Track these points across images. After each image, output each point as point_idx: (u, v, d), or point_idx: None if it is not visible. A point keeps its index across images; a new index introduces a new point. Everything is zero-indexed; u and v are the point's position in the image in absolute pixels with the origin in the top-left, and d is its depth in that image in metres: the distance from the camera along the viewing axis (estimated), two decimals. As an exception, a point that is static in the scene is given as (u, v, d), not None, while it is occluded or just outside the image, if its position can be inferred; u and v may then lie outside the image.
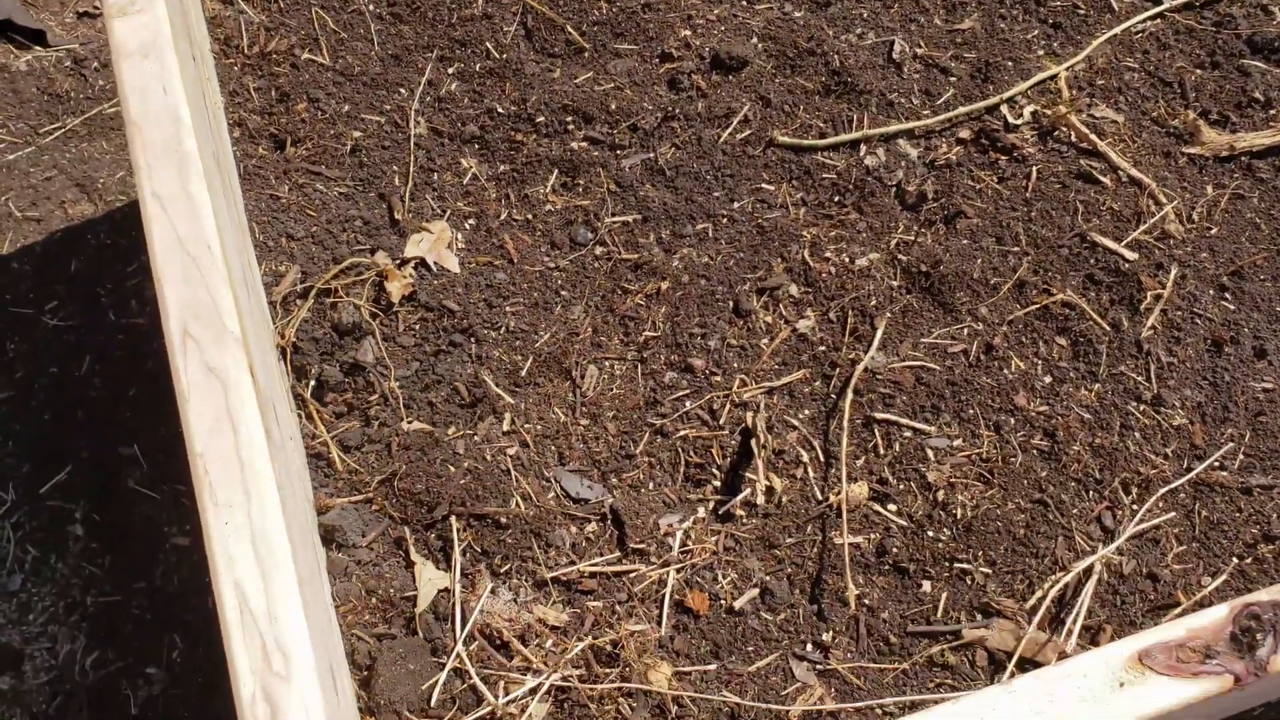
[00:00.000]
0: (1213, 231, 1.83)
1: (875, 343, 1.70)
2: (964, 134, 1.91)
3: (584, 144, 1.88)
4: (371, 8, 1.99)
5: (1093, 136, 1.88)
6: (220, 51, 1.91)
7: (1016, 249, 1.80)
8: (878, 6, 2.05)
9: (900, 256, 1.78)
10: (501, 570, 1.50)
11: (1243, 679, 1.00)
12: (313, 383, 1.64)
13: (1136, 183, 1.86)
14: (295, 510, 1.20)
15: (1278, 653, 1.01)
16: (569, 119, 1.90)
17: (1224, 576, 1.55)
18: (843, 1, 2.05)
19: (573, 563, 1.52)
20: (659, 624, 1.49)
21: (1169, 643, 1.02)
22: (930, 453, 1.62)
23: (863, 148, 1.89)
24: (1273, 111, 1.96)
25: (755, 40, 1.99)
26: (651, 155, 1.87)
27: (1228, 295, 1.77)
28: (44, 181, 2.49)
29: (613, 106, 1.90)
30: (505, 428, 1.61)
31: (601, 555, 1.53)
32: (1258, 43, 2.03)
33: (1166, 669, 0.99)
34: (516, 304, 1.72)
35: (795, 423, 1.65)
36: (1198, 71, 2.01)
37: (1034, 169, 1.86)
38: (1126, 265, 1.77)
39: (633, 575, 1.52)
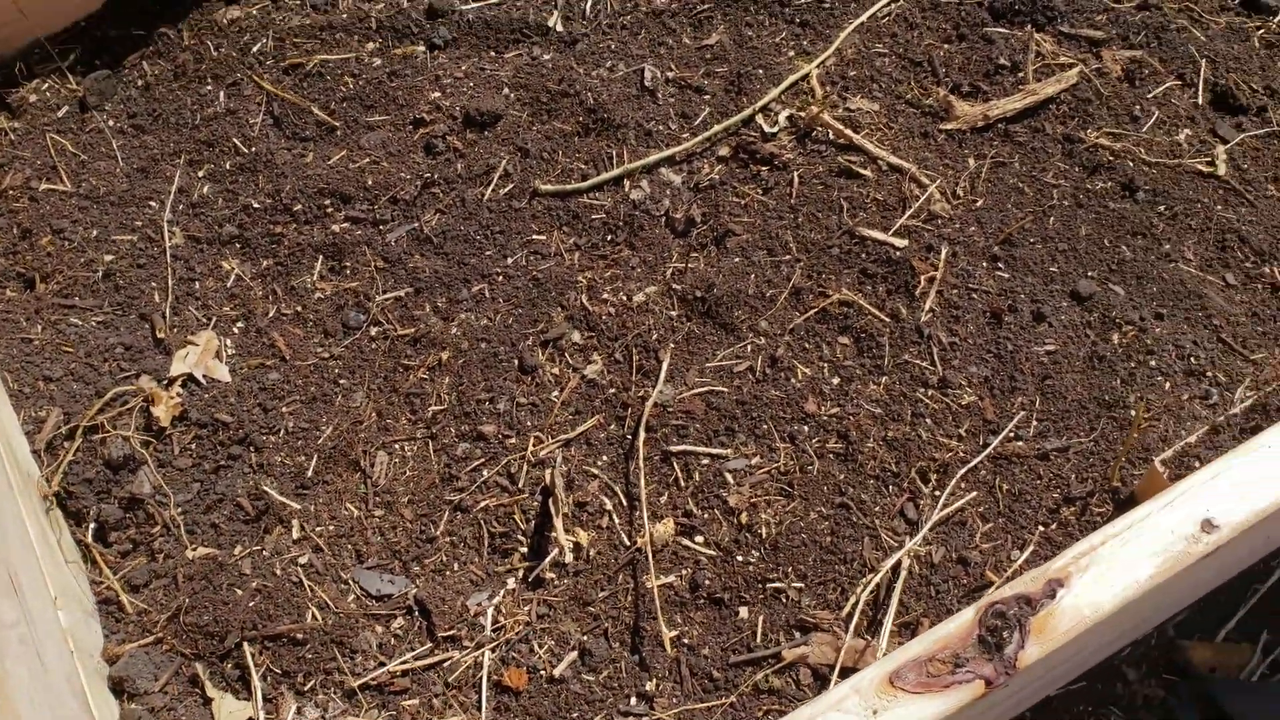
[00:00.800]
0: (978, 204, 1.85)
1: (662, 376, 1.69)
2: (724, 151, 1.91)
3: (346, 225, 1.84)
4: (111, 124, 1.93)
5: (847, 131, 1.89)
6: (-48, 197, 1.83)
7: (788, 257, 1.80)
8: (625, 36, 2.04)
9: (675, 286, 1.77)
10: (306, 688, 1.45)
11: (993, 681, 0.99)
12: (92, 525, 1.58)
13: (897, 169, 1.87)
14: None
15: (1025, 648, 1.01)
16: (327, 202, 1.86)
17: (1031, 547, 1.56)
18: (589, 37, 2.04)
19: (381, 664, 1.48)
20: (479, 709, 1.46)
21: (919, 658, 1.01)
22: (729, 476, 1.61)
23: (627, 182, 1.88)
24: (1021, 75, 1.99)
25: (507, 91, 1.97)
26: (416, 225, 1.83)
27: (1000, 265, 1.80)
28: None
29: (370, 182, 1.87)
30: (295, 536, 1.57)
31: (411, 650, 1.50)
32: (998, 8, 2.07)
33: (918, 687, 0.99)
34: (294, 402, 1.68)
35: (595, 471, 1.63)
36: (945, 46, 2.04)
37: (796, 174, 1.87)
38: (898, 253, 1.79)
39: (446, 665, 1.49)
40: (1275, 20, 2.07)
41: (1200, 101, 1.98)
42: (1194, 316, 1.74)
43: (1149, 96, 1.97)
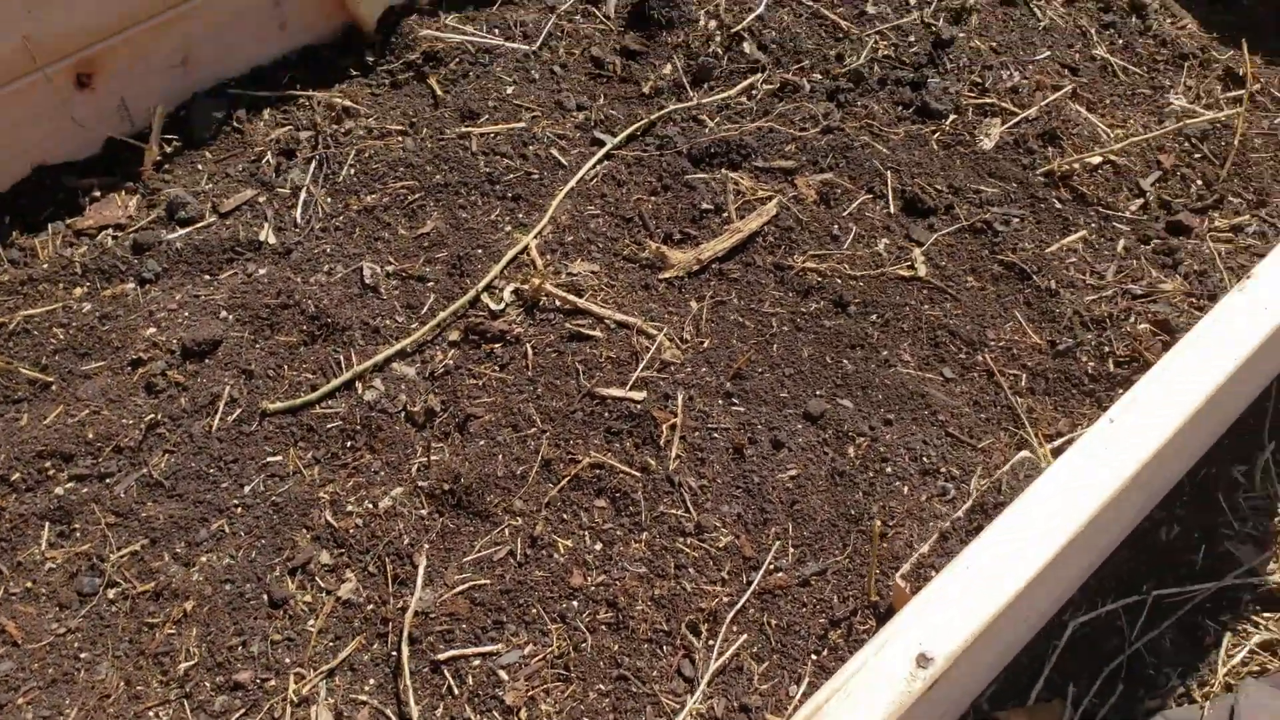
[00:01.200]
0: (705, 345, 1.92)
1: (419, 582, 1.65)
2: (454, 336, 1.92)
3: (71, 484, 1.76)
4: None
5: (571, 296, 1.94)
6: None
7: (533, 430, 1.81)
8: (339, 237, 2.05)
9: (421, 483, 1.75)
10: None
11: None
12: None
13: (625, 325, 1.92)
14: None
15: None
16: (48, 464, 1.77)
17: (807, 679, 1.58)
18: (304, 244, 2.04)
19: None
20: None
21: None
22: (503, 673, 1.58)
23: (359, 385, 1.87)
24: (725, 215, 2.09)
25: (224, 314, 1.94)
26: (145, 471, 1.77)
27: (735, 400, 1.85)
28: None
29: (90, 435, 1.79)
30: (44, 841, 1.45)
31: None
32: (695, 155, 2.18)
33: None
34: (31, 690, 1.57)
35: (364, 697, 1.57)
36: (653, 199, 2.12)
37: (529, 346, 1.90)
38: (638, 407, 1.82)
39: None
40: (947, 122, 2.25)
41: (893, 210, 2.12)
42: (920, 416, 1.83)
43: (845, 214, 2.10)
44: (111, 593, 1.66)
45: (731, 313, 1.96)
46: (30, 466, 1.77)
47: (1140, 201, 2.13)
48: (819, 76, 2.32)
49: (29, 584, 1.68)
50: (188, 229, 2.04)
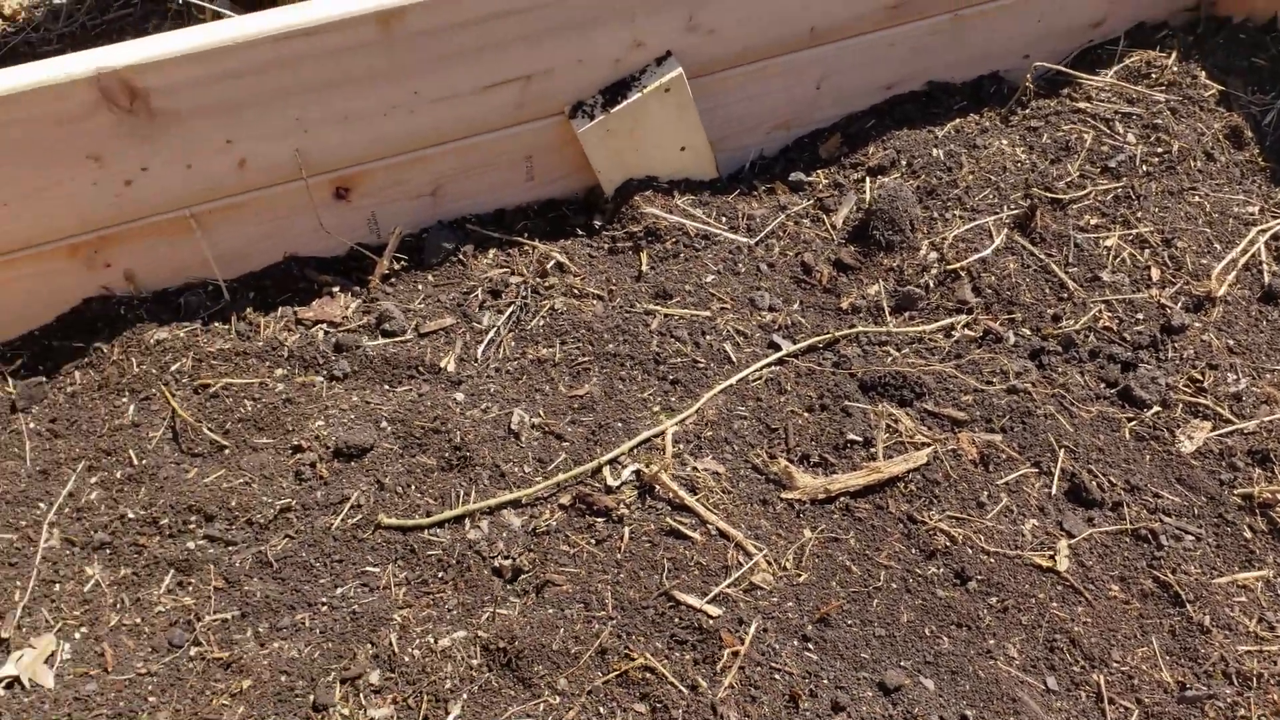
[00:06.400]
0: (801, 579, 1.86)
1: (444, 729, 1.71)
2: (565, 499, 1.98)
3: (202, 542, 1.97)
4: (32, 425, 2.15)
5: (682, 493, 1.95)
6: None
7: (602, 614, 1.83)
8: (506, 380, 2.18)
9: (483, 634, 1.81)
10: None
11: None
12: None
13: (725, 535, 1.91)
14: None
15: None
16: (192, 518, 2.00)
17: None
18: (475, 378, 2.19)
19: None
20: None
21: None
22: (481, 847, 1.59)
23: (468, 522, 1.96)
24: (872, 450, 2.03)
25: (384, 424, 2.11)
26: (263, 549, 1.95)
27: (810, 645, 1.78)
28: None
29: (234, 503, 2.00)
30: None
31: None
32: (868, 382, 2.13)
33: None
34: (100, 716, 1.76)
35: (355, 823, 1.64)
36: (805, 414, 2.10)
37: (628, 529, 1.92)
38: (710, 621, 1.79)
39: None
40: (1148, 413, 2.07)
41: (1054, 492, 1.97)
42: (1002, 723, 1.68)
43: (1000, 482, 1.98)
44: (194, 650, 1.84)
45: (842, 553, 1.90)
46: (178, 516, 2.00)
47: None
48: (1027, 332, 2.21)
49: (138, 620, 1.89)
50: (387, 340, 2.25)
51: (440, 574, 1.91)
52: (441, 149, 2.34)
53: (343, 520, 1.98)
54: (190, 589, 1.92)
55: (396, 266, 2.39)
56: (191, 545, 1.96)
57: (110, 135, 2.04)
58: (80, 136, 2.02)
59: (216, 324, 2.29)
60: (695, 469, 2.01)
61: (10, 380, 2.21)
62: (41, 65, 1.97)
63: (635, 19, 2.27)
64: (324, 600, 1.88)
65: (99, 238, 2.18)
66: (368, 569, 1.92)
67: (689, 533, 1.91)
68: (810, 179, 2.56)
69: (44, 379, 2.22)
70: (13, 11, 4.17)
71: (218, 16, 3.67)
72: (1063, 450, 2.02)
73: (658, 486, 1.97)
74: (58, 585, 1.94)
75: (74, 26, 4.11)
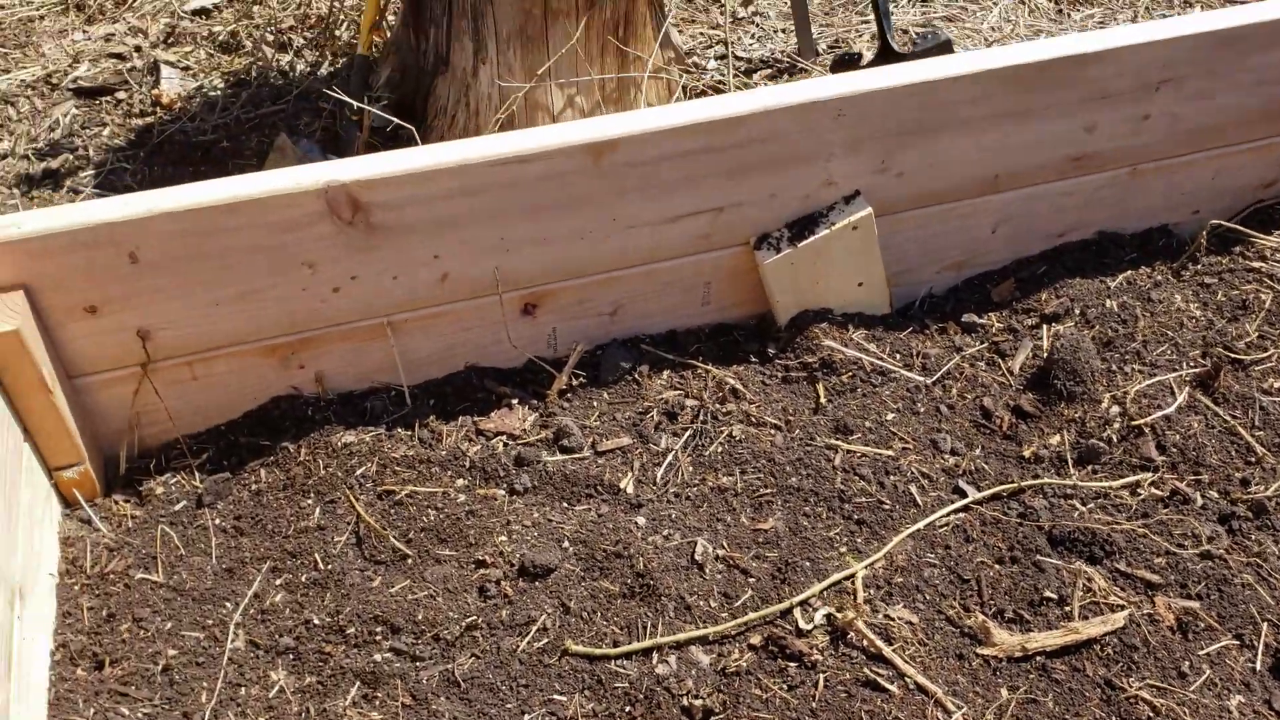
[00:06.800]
0: (1002, 741, 1.82)
1: None
2: (756, 639, 1.96)
3: (389, 655, 1.96)
4: (217, 522, 2.17)
5: (879, 643, 1.92)
6: (66, 572, 2.07)
7: (798, 765, 1.79)
8: (687, 507, 2.18)
9: (677, 776, 1.78)
10: None
11: None
12: None
13: (924, 690, 1.87)
14: None
15: None
16: (378, 629, 1.99)
17: None
18: (655, 503, 2.18)
19: None
20: None
21: None
22: None
23: (655, 655, 1.94)
24: (1067, 609, 1.99)
25: (566, 544, 2.11)
26: (450, 666, 1.94)
27: (1016, 814, 1.73)
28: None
29: (420, 616, 2.00)
30: None
31: None
32: (1057, 536, 2.11)
33: None
34: (290, 832, 1.74)
35: None
36: (996, 567, 2.07)
37: (822, 676, 1.89)
38: (911, 781, 1.75)
39: None
40: (1350, 590, 2.02)
41: (1258, 667, 1.92)
42: None
43: (1201, 653, 1.93)
44: (383, 768, 1.82)
45: (1041, 715, 1.85)
46: (365, 626, 2.00)
47: None
48: (1215, 495, 2.18)
49: (325, 731, 1.88)
50: (566, 456, 2.26)
51: (629, 708, 1.88)
52: (627, 272, 2.37)
53: (528, 643, 1.96)
54: (377, 703, 1.90)
55: (574, 382, 2.41)
56: (378, 657, 1.96)
57: (328, 245, 2.10)
58: (300, 244, 2.08)
59: (399, 430, 2.31)
60: (889, 617, 1.98)
61: (198, 475, 2.24)
62: (274, 175, 2.03)
63: (832, 159, 2.31)
64: (512, 726, 1.86)
65: (299, 340, 2.23)
66: (555, 696, 1.90)
67: (886, 685, 1.88)
68: (983, 321, 2.56)
69: (229, 475, 2.24)
70: (169, 101, 4.33)
71: (357, 117, 3.80)
72: (1265, 625, 1.97)
73: (851, 633, 1.95)
74: (243, 689, 1.93)
75: (229, 119, 4.26)
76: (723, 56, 4.55)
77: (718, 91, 4.34)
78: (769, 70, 4.52)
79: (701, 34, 4.62)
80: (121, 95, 4.43)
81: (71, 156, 4.08)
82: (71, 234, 1.93)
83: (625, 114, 2.16)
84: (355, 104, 3.74)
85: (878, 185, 2.39)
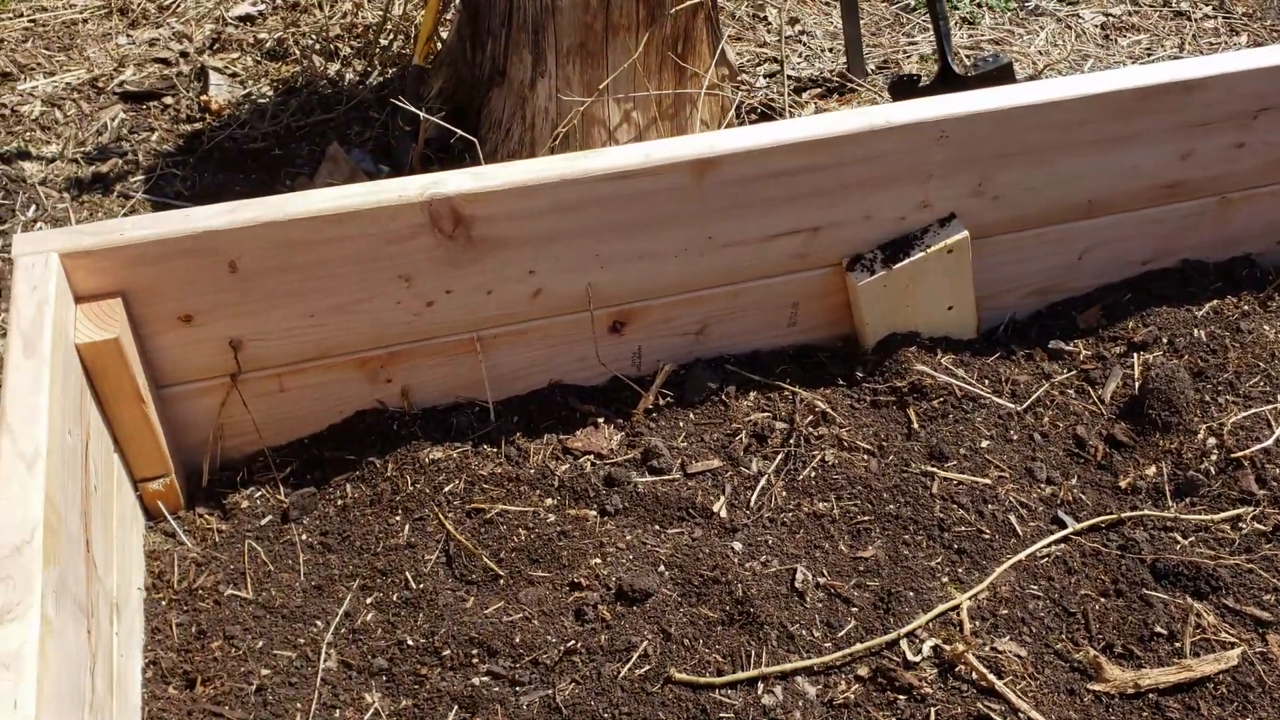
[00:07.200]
0: (1121, 781, 1.78)
1: None
2: (863, 671, 1.92)
3: (486, 679, 1.92)
4: (304, 538, 2.12)
5: (991, 676, 1.88)
6: (152, 586, 2.02)
7: (914, 801, 1.75)
8: (783, 533, 2.13)
9: (792, 810, 1.74)
10: None
11: None
12: None
13: (1038, 726, 1.83)
14: None
15: None
16: (475, 652, 1.95)
17: None
18: (750, 527, 2.14)
19: None
20: None
21: None
22: None
23: (760, 685, 1.90)
24: (1178, 644, 1.95)
25: (662, 568, 2.07)
26: (550, 692, 1.89)
27: None
28: None
29: (517, 639, 1.95)
30: None
31: None
32: (1160, 569, 2.07)
33: None
34: None
35: None
36: (1102, 600, 2.03)
37: (933, 710, 1.85)
38: (1031, 821, 1.71)
39: None
40: None
41: (1376, 710, 1.88)
42: None
43: (1318, 695, 1.89)
44: (486, 796, 1.77)
45: (1159, 756, 1.81)
46: (460, 649, 1.95)
47: None
48: (1319, 530, 2.15)
49: (424, 756, 1.83)
50: (655, 478, 2.22)
51: (735, 738, 1.84)
52: (717, 290, 2.34)
53: (630, 670, 1.92)
54: (476, 728, 1.86)
55: (660, 402, 2.37)
56: (475, 681, 1.91)
57: (426, 258, 2.06)
58: (399, 257, 2.04)
59: (485, 446, 2.27)
60: (996, 649, 1.94)
61: (282, 489, 2.19)
62: (378, 186, 2.00)
63: (930, 181, 2.28)
64: (617, 755, 1.82)
65: (389, 353, 2.19)
66: (659, 725, 1.86)
67: None
68: (1070, 348, 2.53)
69: (314, 490, 2.20)
70: (218, 107, 4.30)
71: (414, 126, 3.76)
72: (1382, 667, 1.93)
73: (961, 665, 1.91)
74: (337, 711, 1.89)
75: (279, 126, 4.23)
76: (773, 75, 4.54)
77: (770, 109, 4.33)
78: (818, 89, 4.50)
79: (750, 51, 4.60)
80: (169, 100, 4.39)
81: (121, 161, 4.05)
82: (175, 241, 1.89)
83: (730, 131, 2.13)
84: (417, 114, 3.70)
85: (973, 208, 2.36)
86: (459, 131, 3.36)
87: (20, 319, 1.73)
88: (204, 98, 4.32)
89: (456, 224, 2.03)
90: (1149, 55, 4.82)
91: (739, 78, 4.28)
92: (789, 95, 4.39)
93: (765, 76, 4.56)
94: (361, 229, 1.99)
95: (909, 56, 4.65)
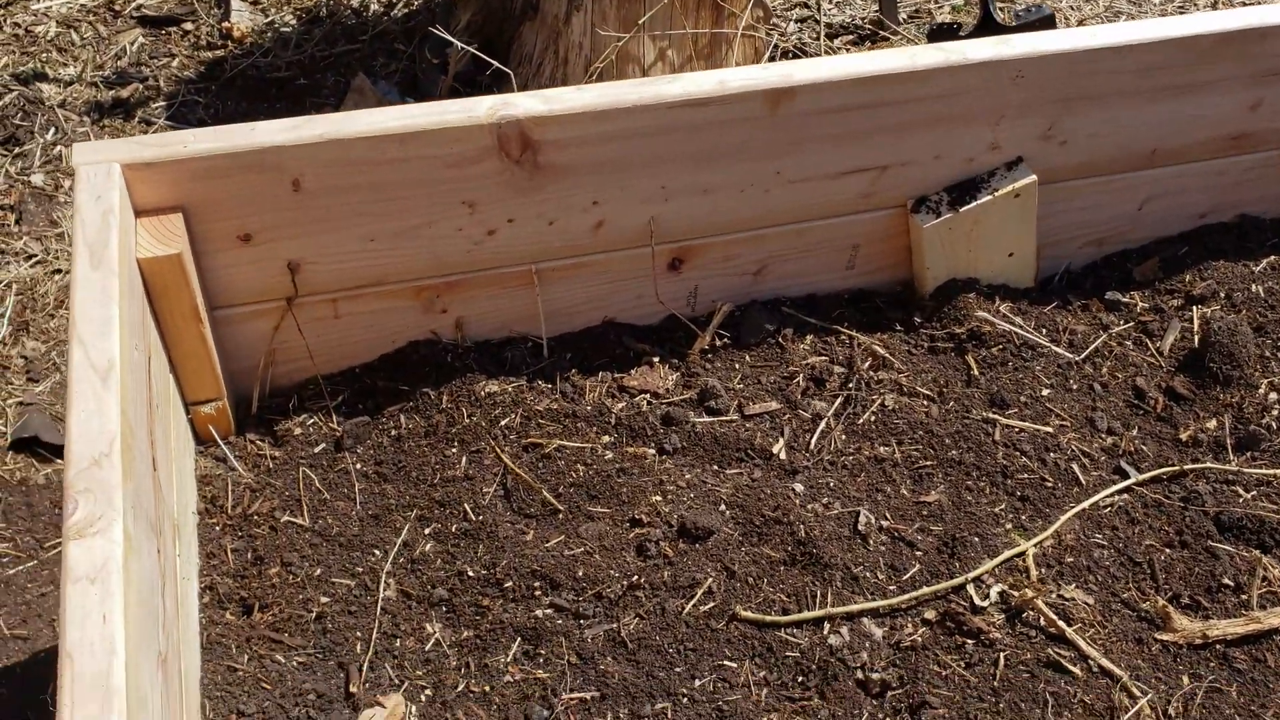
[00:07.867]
0: (1190, 729, 1.77)
1: None
2: (929, 614, 1.90)
3: (549, 611, 1.89)
4: (359, 467, 2.08)
5: (1060, 622, 1.86)
6: (205, 511, 1.98)
7: (985, 744, 1.74)
8: (844, 476, 2.11)
9: (863, 750, 1.72)
10: None
11: None
12: None
13: (1108, 674, 1.82)
14: None
15: None
16: (537, 584, 1.92)
17: None
18: (810, 469, 2.11)
19: None
20: None
21: None
22: None
23: (826, 625, 1.88)
24: (1244, 596, 1.94)
25: (723, 507, 2.04)
26: (615, 626, 1.87)
27: (1212, 805, 1.68)
28: (38, 598, 2.53)
29: (580, 573, 1.93)
30: None
31: None
32: (1224, 522, 2.05)
33: None
34: (461, 791, 1.67)
35: None
36: (1167, 551, 2.02)
37: (1001, 655, 1.83)
38: (1102, 766, 1.70)
39: None
40: None
41: None
42: None
43: (1385, 649, 1.88)
44: (553, 729, 1.75)
45: (1227, 706, 1.80)
46: (522, 581, 1.92)
47: None
48: (1382, 487, 2.13)
49: (487, 688, 1.80)
50: (713, 418, 2.19)
51: (801, 679, 1.82)
52: (779, 230, 2.29)
53: (694, 606, 1.89)
54: (541, 661, 1.83)
55: (717, 343, 2.33)
56: (539, 613, 1.88)
57: (491, 184, 2.00)
58: (464, 181, 1.99)
59: (540, 382, 2.23)
60: (1063, 597, 1.92)
61: (334, 417, 2.15)
62: (447, 105, 1.94)
63: (1001, 122, 2.23)
64: (683, 691, 1.79)
65: (445, 283, 2.14)
66: (724, 663, 1.84)
67: (1069, 666, 1.82)
68: (1126, 300, 2.49)
69: (368, 419, 2.16)
70: (241, 34, 4.20)
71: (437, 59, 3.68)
72: None
73: (1029, 611, 1.89)
74: (398, 640, 1.86)
75: (303, 56, 4.13)
76: (804, 20, 4.46)
77: (802, 52, 4.25)
78: (850, 36, 4.43)
79: (780, -4, 4.52)
80: (188, 26, 4.29)
81: (141, 86, 3.95)
82: (239, 155, 1.83)
83: (806, 60, 2.07)
84: (445, 47, 3.62)
85: (1040, 152, 2.32)
86: (494, 63, 3.28)
87: (85, 229, 1.67)
88: (226, 24, 4.22)
89: (524, 148, 1.97)
90: (1181, 11, 4.76)
91: (771, 20, 4.20)
92: (823, 41, 4.31)
93: (796, 21, 4.49)
94: (427, 150, 1.93)
95: (941, 6, 4.58)
